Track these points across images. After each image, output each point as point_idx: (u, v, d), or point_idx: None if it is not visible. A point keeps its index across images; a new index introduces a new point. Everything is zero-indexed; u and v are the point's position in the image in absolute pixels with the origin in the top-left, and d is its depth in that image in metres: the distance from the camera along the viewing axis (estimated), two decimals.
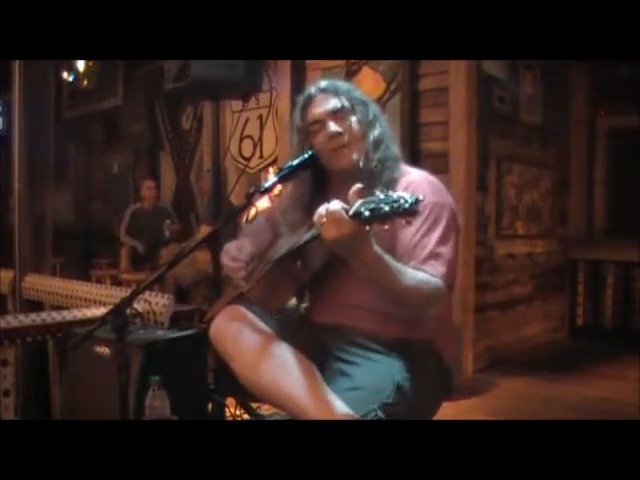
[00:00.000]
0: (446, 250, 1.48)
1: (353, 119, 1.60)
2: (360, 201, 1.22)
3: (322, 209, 1.28)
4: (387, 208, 1.17)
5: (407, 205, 1.17)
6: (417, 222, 1.46)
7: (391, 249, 1.48)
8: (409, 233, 1.48)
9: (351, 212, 1.22)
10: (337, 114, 1.60)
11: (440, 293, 1.45)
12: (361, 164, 1.58)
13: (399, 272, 1.37)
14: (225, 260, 1.65)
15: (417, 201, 1.17)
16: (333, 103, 1.61)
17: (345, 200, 1.27)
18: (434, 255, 1.47)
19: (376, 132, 1.61)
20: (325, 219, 1.26)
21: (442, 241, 1.48)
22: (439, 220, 1.50)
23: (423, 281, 1.41)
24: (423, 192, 1.50)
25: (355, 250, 1.30)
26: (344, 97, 1.61)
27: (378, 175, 1.55)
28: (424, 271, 1.44)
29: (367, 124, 1.61)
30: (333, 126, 1.59)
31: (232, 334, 1.53)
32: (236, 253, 1.63)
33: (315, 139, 1.62)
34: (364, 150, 1.59)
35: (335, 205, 1.25)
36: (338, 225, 1.25)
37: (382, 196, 1.20)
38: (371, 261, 1.33)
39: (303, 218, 1.62)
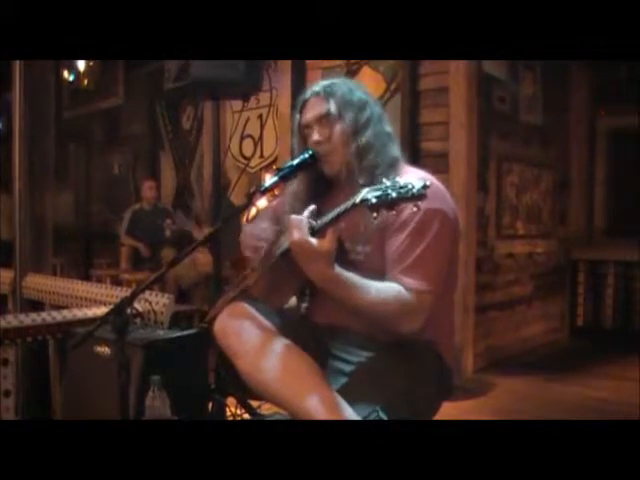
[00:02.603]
0: (427, 263, 1.46)
1: (337, 127, 1.57)
2: (367, 189, 1.24)
3: (293, 220, 1.37)
4: (394, 194, 1.19)
5: (415, 190, 1.18)
6: (405, 231, 1.46)
7: (383, 257, 1.49)
8: (396, 242, 1.47)
9: (358, 199, 1.24)
10: (322, 120, 1.58)
11: (409, 308, 1.43)
12: (343, 174, 1.57)
13: (360, 289, 1.39)
14: (248, 239, 1.69)
15: (425, 186, 1.19)
16: (319, 109, 1.59)
17: (343, 201, 1.29)
18: (413, 267, 1.45)
19: (363, 139, 1.55)
20: (289, 231, 1.36)
21: (426, 252, 1.45)
22: (428, 229, 1.46)
23: (390, 297, 1.41)
24: None
25: (312, 266, 1.36)
26: (335, 101, 1.57)
27: (370, 182, 1.49)
28: (401, 283, 1.44)
29: (354, 131, 1.56)
30: (316, 134, 1.59)
31: (235, 331, 1.54)
32: (260, 232, 1.67)
33: (307, 143, 1.63)
34: (346, 159, 1.56)
35: (302, 220, 1.36)
36: (299, 239, 1.34)
37: (389, 183, 1.21)
38: (327, 279, 1.38)
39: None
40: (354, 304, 1.41)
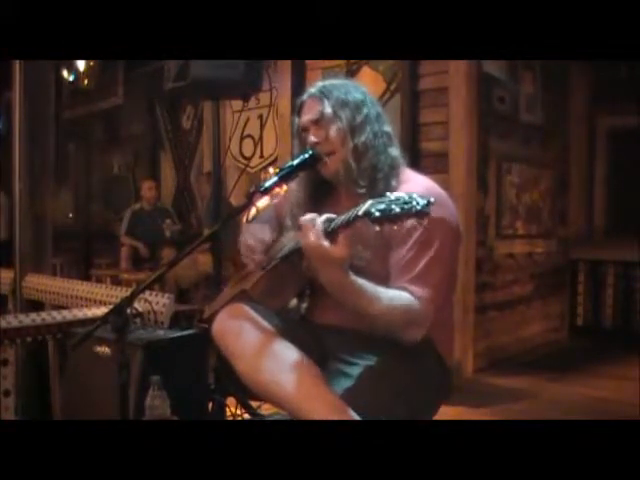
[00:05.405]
0: (434, 272, 1.46)
1: (333, 127, 1.56)
2: (370, 201, 1.22)
3: (306, 221, 1.33)
4: (398, 209, 1.17)
5: (419, 207, 1.17)
6: (410, 240, 1.45)
7: (385, 263, 1.49)
8: (401, 251, 1.47)
9: (361, 212, 1.23)
10: (318, 122, 1.58)
11: (417, 317, 1.44)
12: (342, 175, 1.57)
13: (372, 298, 1.39)
14: (249, 241, 1.66)
15: (429, 203, 1.17)
16: (314, 111, 1.59)
17: (345, 204, 1.28)
18: (419, 277, 1.45)
19: (361, 138, 1.55)
20: (303, 232, 1.32)
21: (431, 262, 1.46)
22: (433, 239, 1.46)
23: (399, 306, 1.41)
24: None
25: (327, 271, 1.34)
26: (330, 102, 1.57)
27: (371, 185, 1.52)
28: (409, 292, 1.44)
29: (350, 130, 1.55)
30: (312, 136, 1.59)
31: (234, 332, 1.53)
32: (260, 234, 1.66)
33: (306, 144, 1.62)
34: (344, 159, 1.56)
35: (316, 222, 1.31)
36: (315, 241, 1.30)
37: (393, 197, 1.20)
38: (341, 285, 1.36)
39: None
40: (364, 312, 1.40)
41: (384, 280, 1.47)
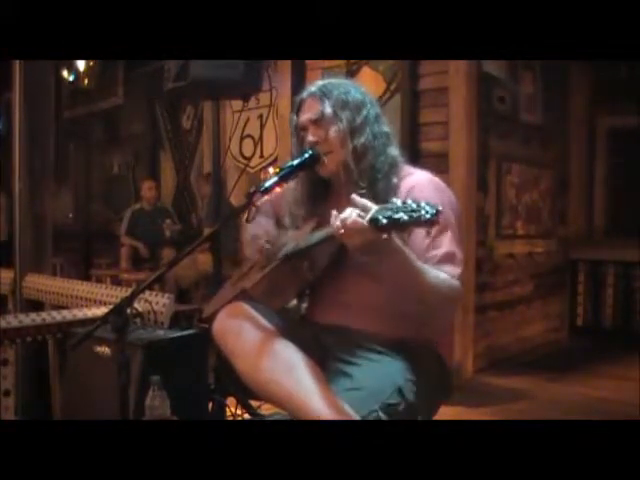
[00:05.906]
0: (458, 251, 1.48)
1: (332, 128, 1.56)
2: (376, 208, 1.20)
3: (339, 219, 1.27)
4: (406, 217, 1.15)
5: (428, 215, 1.15)
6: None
7: None
8: (420, 234, 1.46)
9: (367, 219, 1.21)
10: (317, 122, 1.58)
11: (458, 294, 1.45)
12: (342, 175, 1.57)
13: (424, 271, 1.37)
14: (255, 230, 1.69)
15: (438, 212, 1.15)
16: (314, 111, 1.58)
17: (344, 203, 1.28)
18: (449, 256, 1.46)
19: (361, 140, 1.55)
20: (343, 230, 1.26)
21: (453, 242, 1.48)
22: (448, 222, 1.47)
23: (444, 281, 1.42)
24: (428, 195, 1.47)
25: (383, 253, 1.30)
26: (330, 102, 1.57)
27: (371, 185, 1.52)
28: (443, 271, 1.44)
29: (350, 132, 1.55)
30: (310, 136, 1.59)
31: (234, 331, 1.53)
32: (262, 233, 1.68)
33: (304, 144, 1.62)
34: (343, 160, 1.56)
35: (352, 215, 1.24)
36: (360, 234, 1.24)
37: (400, 204, 1.18)
38: (399, 262, 1.33)
39: (306, 216, 1.63)
40: (415, 287, 1.37)
41: None
